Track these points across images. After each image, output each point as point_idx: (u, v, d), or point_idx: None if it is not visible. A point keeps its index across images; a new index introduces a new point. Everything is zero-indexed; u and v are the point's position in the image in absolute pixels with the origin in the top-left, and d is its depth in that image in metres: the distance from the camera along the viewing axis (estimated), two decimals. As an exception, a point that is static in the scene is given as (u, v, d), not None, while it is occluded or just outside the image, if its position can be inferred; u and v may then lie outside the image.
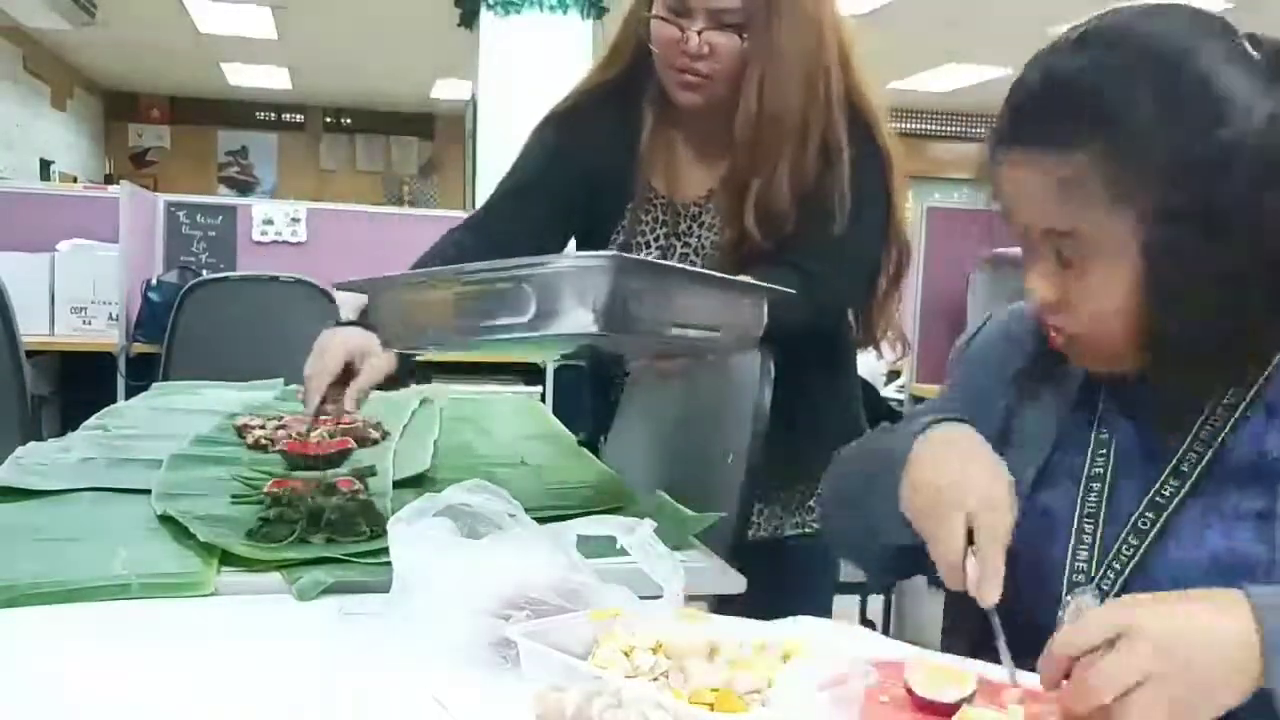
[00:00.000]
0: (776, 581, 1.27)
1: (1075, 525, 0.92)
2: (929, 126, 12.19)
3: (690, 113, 1.50)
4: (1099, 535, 0.90)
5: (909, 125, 12.13)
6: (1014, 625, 0.82)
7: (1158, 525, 0.87)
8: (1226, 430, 0.86)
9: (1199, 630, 0.70)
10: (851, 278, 1.53)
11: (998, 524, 0.84)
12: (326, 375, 1.32)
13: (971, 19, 7.46)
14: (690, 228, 1.57)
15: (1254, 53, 0.83)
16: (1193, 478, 0.87)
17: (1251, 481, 0.85)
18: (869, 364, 4.00)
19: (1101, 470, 0.93)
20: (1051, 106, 0.84)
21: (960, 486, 0.86)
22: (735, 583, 1.08)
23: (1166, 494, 0.88)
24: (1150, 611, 0.70)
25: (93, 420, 1.76)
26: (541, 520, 0.92)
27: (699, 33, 1.40)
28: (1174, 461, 0.88)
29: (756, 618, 0.90)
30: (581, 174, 1.56)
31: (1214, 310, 0.82)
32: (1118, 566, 0.88)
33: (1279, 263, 0.81)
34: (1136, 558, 0.88)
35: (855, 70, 1.55)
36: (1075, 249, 0.83)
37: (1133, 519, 0.89)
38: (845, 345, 1.64)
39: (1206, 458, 0.87)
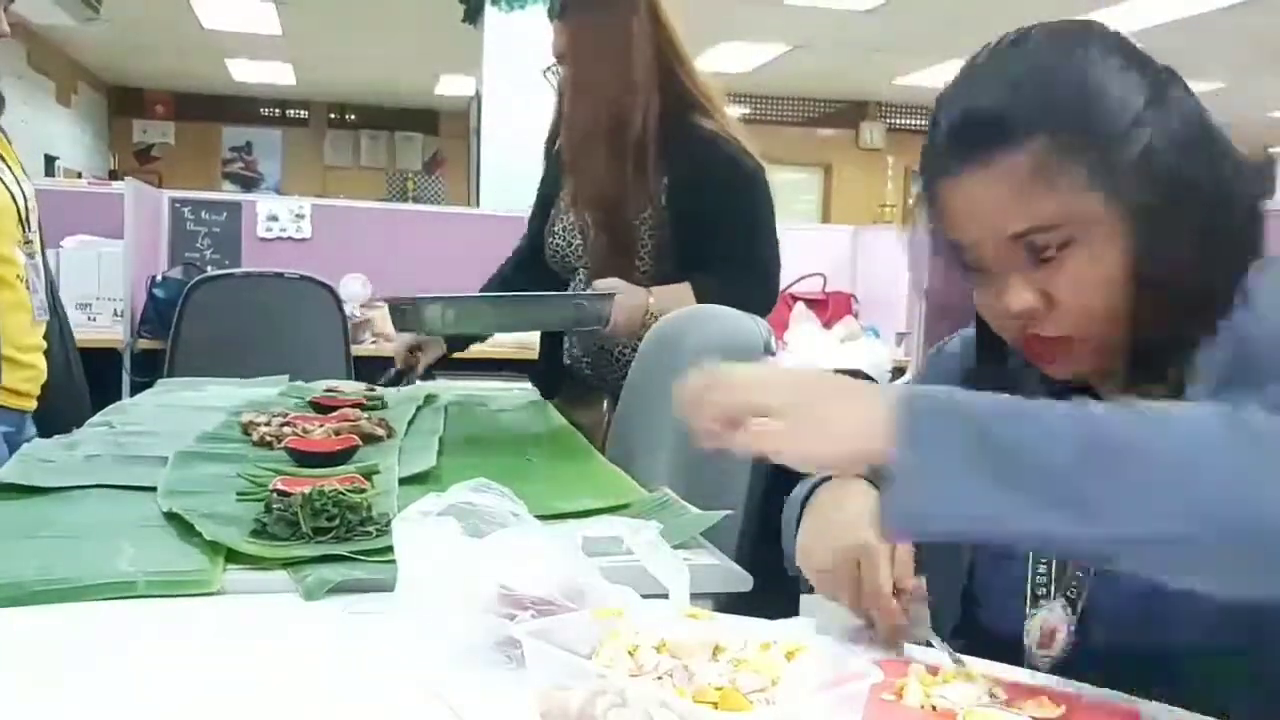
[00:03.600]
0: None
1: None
2: (933, 122, 12.16)
3: None
4: None
5: (911, 122, 12.11)
6: (981, 639, 0.84)
7: None
8: None
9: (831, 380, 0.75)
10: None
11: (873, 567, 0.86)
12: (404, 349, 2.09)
13: (973, 16, 7.44)
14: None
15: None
16: None
17: None
18: (874, 360, 4.01)
19: None
20: (991, 112, 0.84)
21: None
22: (741, 581, 1.08)
23: None
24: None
25: (98, 417, 1.76)
26: (546, 519, 0.92)
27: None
28: None
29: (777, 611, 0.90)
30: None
31: (1199, 256, 0.83)
32: (1080, 575, 0.89)
33: (1234, 206, 0.84)
34: (1093, 571, 0.88)
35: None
36: (1053, 239, 0.83)
37: None
38: None
39: None
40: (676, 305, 1.79)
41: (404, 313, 1.76)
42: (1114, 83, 0.83)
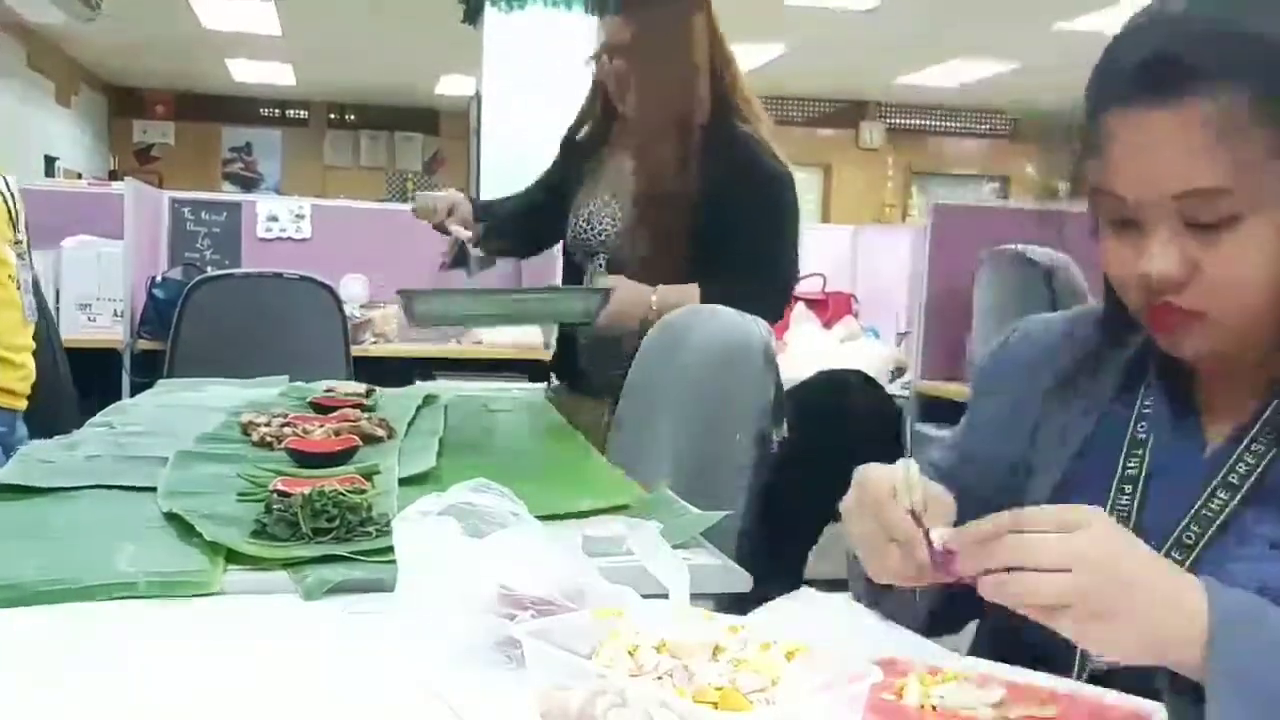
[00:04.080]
0: None
1: None
2: (935, 122, 12.17)
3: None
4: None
5: (916, 121, 12.12)
6: (1032, 642, 0.80)
7: (1203, 540, 0.82)
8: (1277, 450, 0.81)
9: (1151, 571, 0.71)
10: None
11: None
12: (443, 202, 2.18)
13: (978, 14, 7.44)
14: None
15: None
16: (1243, 490, 0.82)
17: None
18: (874, 360, 4.01)
19: (1135, 473, 0.88)
20: (1197, 46, 0.76)
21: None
22: (741, 581, 1.08)
23: (1215, 507, 0.82)
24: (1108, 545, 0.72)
25: (98, 418, 1.76)
26: (546, 519, 0.92)
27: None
28: (1223, 472, 0.83)
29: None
30: None
31: None
32: None
33: None
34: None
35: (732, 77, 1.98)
36: (1220, 210, 0.76)
37: (1176, 533, 0.83)
38: None
39: (1259, 470, 0.82)
40: (681, 304, 1.80)
41: (408, 302, 1.81)
42: None
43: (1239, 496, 0.82)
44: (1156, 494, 0.87)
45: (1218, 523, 0.82)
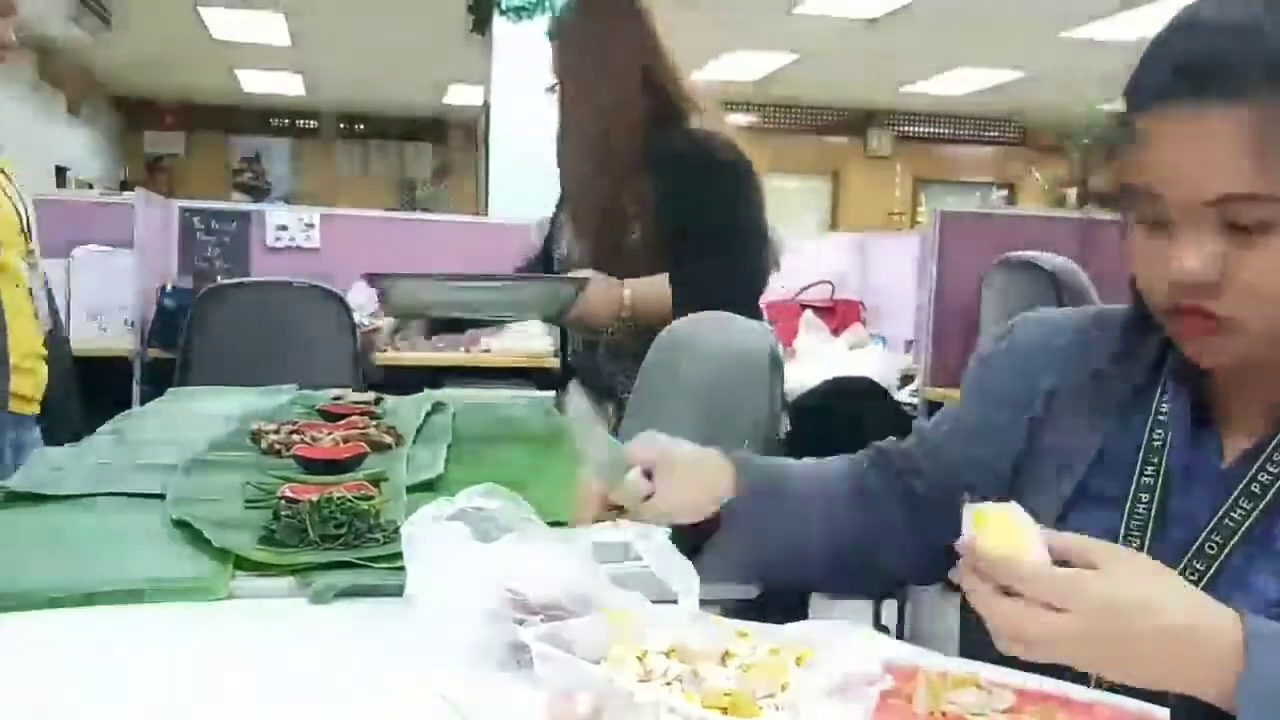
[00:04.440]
0: None
1: (1120, 541, 0.85)
2: (943, 130, 12.17)
3: None
4: (1145, 554, 0.82)
5: (923, 129, 12.12)
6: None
7: (1225, 550, 0.81)
8: None
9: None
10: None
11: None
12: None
13: (984, 22, 7.45)
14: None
15: None
16: (1265, 499, 0.81)
17: None
18: (882, 368, 4.01)
19: (1151, 481, 0.87)
20: (1245, 48, 0.74)
21: None
22: (748, 587, 1.08)
23: (1237, 517, 0.81)
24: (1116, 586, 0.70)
25: (108, 426, 1.77)
26: (555, 525, 0.92)
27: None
28: (1245, 482, 0.82)
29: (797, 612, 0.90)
30: None
31: None
32: None
33: None
34: (1201, 584, 0.80)
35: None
36: (1260, 215, 0.74)
37: (1199, 543, 0.82)
38: None
39: (1274, 489, 0.80)
40: (654, 296, 1.86)
41: (382, 290, 1.83)
42: None
43: (1261, 506, 0.81)
44: (1175, 503, 0.86)
45: (1240, 533, 0.81)
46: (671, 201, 1.91)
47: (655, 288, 1.88)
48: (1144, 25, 7.08)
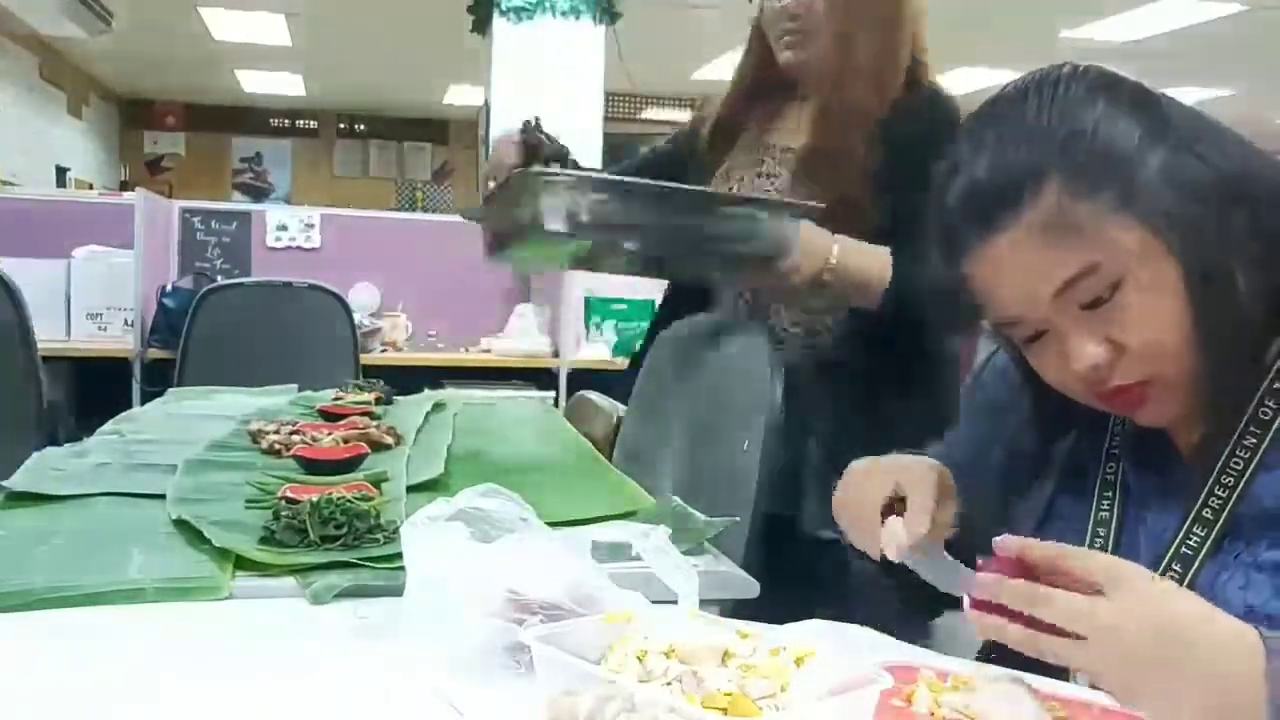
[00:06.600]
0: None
1: None
2: (942, 130, 12.16)
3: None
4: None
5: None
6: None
7: (1186, 580, 0.82)
8: (1249, 472, 0.82)
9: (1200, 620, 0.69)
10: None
11: (921, 480, 0.87)
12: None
13: (981, 23, 7.44)
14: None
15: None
16: (1218, 524, 0.82)
17: (1272, 528, 0.80)
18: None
19: (1107, 515, 0.89)
20: (993, 177, 0.81)
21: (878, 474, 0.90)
22: (749, 587, 1.08)
23: (1193, 544, 0.83)
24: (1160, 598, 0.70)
25: (108, 426, 1.77)
26: (555, 525, 0.92)
27: None
28: (1196, 508, 0.83)
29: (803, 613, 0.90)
30: None
31: (1259, 253, 0.79)
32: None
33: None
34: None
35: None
36: (1101, 282, 0.79)
37: (1160, 570, 0.83)
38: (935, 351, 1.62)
39: (1230, 504, 0.82)
40: (866, 264, 1.51)
41: (533, 193, 1.39)
42: (1104, 109, 0.81)
43: (1215, 531, 0.82)
44: (1132, 534, 0.88)
45: (1199, 558, 0.82)
46: (915, 169, 1.49)
47: (869, 254, 1.52)
48: (1144, 25, 7.08)
